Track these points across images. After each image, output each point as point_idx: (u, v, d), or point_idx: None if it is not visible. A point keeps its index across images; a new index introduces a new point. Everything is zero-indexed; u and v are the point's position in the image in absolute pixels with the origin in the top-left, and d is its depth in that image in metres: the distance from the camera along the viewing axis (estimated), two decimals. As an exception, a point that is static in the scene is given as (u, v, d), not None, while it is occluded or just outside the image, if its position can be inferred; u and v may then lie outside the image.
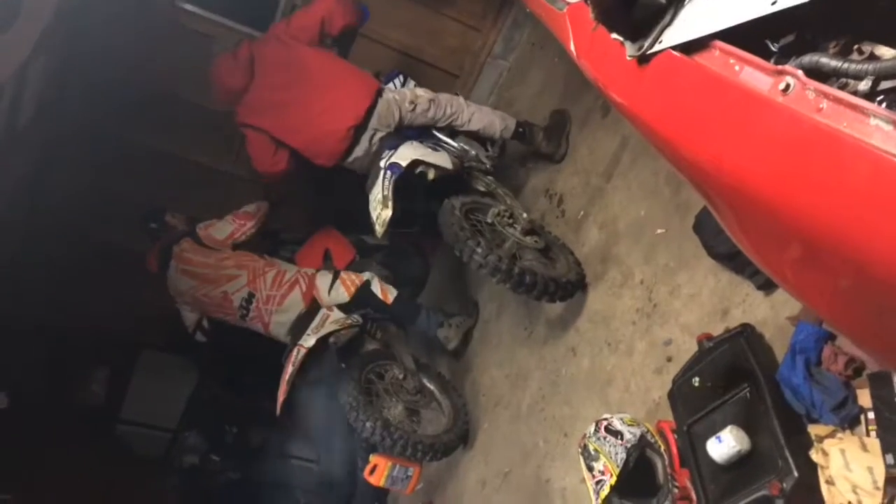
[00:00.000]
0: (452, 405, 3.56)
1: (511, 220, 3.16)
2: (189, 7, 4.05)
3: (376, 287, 3.59)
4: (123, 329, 5.16)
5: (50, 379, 4.73)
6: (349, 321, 3.48)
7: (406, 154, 3.13)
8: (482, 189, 3.42)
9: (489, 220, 3.14)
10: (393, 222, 3.07)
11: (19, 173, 3.81)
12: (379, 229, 3.04)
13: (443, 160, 3.19)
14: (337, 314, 3.50)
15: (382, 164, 3.13)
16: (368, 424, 3.13)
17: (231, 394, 5.06)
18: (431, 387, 3.60)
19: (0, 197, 3.65)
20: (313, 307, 3.56)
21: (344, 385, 3.28)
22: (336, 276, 3.61)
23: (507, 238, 3.07)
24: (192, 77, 3.98)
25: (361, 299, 3.57)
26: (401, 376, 3.48)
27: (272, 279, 3.63)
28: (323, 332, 3.38)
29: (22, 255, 4.28)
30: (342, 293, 3.56)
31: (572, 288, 3.00)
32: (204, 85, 3.67)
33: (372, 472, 3.51)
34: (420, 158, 3.12)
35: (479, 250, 2.85)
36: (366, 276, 3.62)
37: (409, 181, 3.11)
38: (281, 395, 3.33)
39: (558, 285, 2.94)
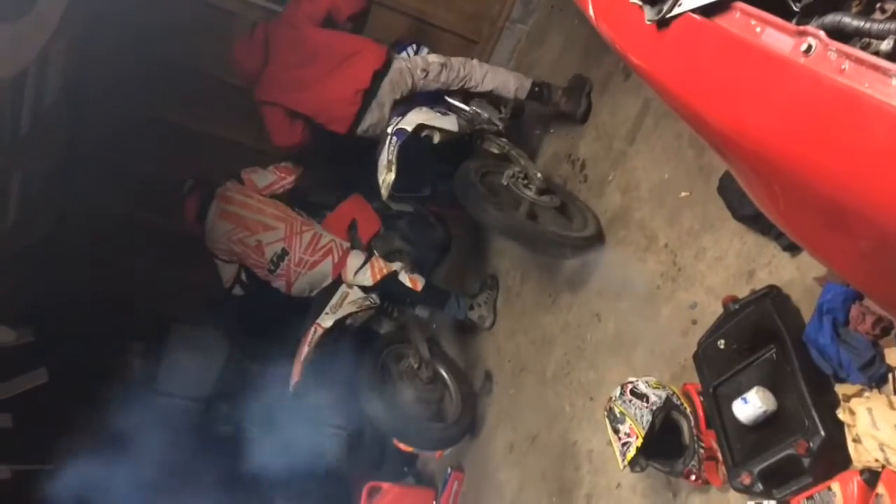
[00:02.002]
0: (462, 396, 3.63)
1: (526, 181, 3.24)
2: (206, -19, 4.05)
3: (404, 277, 3.60)
4: (154, 303, 5.27)
5: (86, 353, 4.86)
6: (367, 303, 3.53)
7: (412, 119, 3.20)
8: (496, 151, 3.47)
9: (504, 183, 3.21)
10: (403, 187, 3.21)
11: (47, 153, 3.87)
12: (384, 192, 3.16)
13: (449, 123, 3.25)
14: (356, 294, 3.55)
15: (390, 130, 3.22)
16: (377, 411, 3.25)
17: (261, 365, 5.15)
18: (445, 375, 3.67)
19: (31, 179, 3.73)
20: (339, 280, 3.61)
21: (360, 368, 3.36)
22: (367, 261, 3.64)
23: (523, 199, 3.16)
24: (213, 53, 3.99)
25: (384, 286, 3.61)
26: (415, 366, 3.54)
27: (308, 241, 3.68)
28: (341, 313, 3.44)
29: (54, 235, 4.37)
30: (367, 278, 3.58)
31: (589, 242, 3.07)
32: (224, 60, 3.71)
33: (401, 437, 3.60)
34: (424, 122, 3.18)
35: (494, 212, 2.93)
36: (395, 266, 3.64)
37: (417, 146, 3.19)
38: (295, 376, 3.40)
39: (574, 241, 3.03)
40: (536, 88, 3.59)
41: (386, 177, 3.10)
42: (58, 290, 4.64)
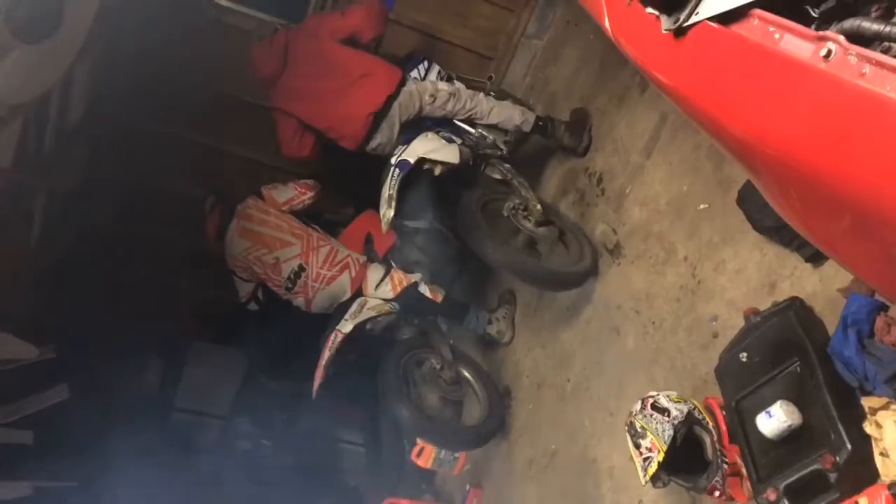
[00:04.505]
0: (489, 396, 3.61)
1: (525, 213, 3.33)
2: (224, 2, 4.11)
3: (424, 289, 3.65)
4: (173, 321, 5.30)
5: (106, 370, 4.90)
6: (387, 307, 3.55)
7: (415, 150, 3.27)
8: (498, 178, 3.56)
9: (504, 214, 3.32)
10: (404, 215, 3.36)
11: (71, 172, 3.93)
12: (384, 227, 3.26)
13: (450, 155, 3.31)
14: (374, 301, 3.57)
15: (393, 160, 3.28)
16: (403, 412, 3.24)
17: (279, 382, 5.17)
18: (469, 376, 3.65)
19: (54, 198, 3.77)
20: (358, 294, 3.63)
21: (382, 373, 3.37)
22: (387, 273, 3.67)
23: (521, 230, 3.27)
24: (231, 71, 4.05)
25: (405, 299, 3.62)
26: (438, 366, 3.54)
27: (325, 256, 3.72)
28: (361, 318, 3.47)
29: (76, 253, 4.42)
30: (388, 291, 3.62)
31: (583, 276, 3.19)
32: (242, 78, 3.76)
33: (419, 454, 3.59)
34: (426, 156, 3.25)
35: (494, 251, 3.06)
36: (414, 277, 3.67)
37: (419, 176, 3.30)
38: (317, 380, 3.44)
39: (567, 276, 3.17)
40: (540, 123, 3.69)
41: (386, 212, 3.19)
42: (79, 307, 4.68)
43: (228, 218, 3.89)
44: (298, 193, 3.86)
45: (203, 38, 4.09)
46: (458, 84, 3.67)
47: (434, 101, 3.50)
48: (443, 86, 3.59)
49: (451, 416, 3.55)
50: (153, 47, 3.95)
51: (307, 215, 3.93)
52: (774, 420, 1.88)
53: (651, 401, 2.18)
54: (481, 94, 3.64)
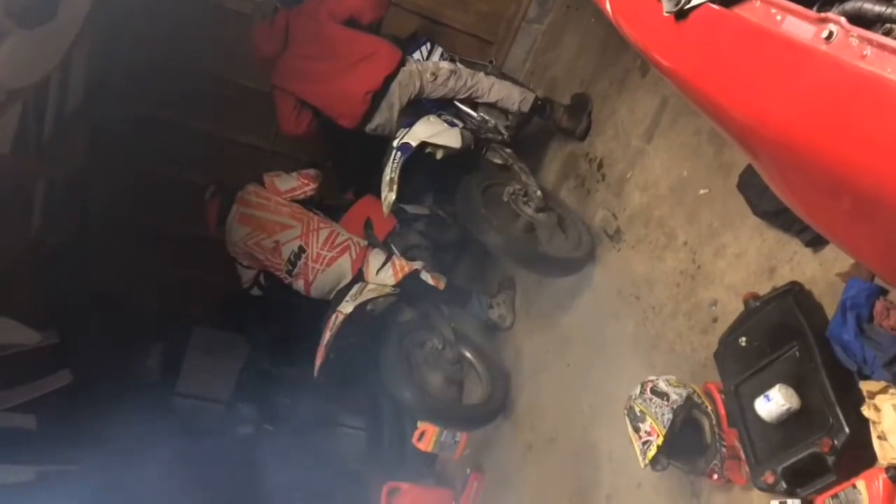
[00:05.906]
0: (491, 375, 3.63)
1: (525, 198, 3.34)
2: (224, -14, 4.10)
3: (426, 276, 3.64)
4: (174, 306, 5.32)
5: (109, 355, 4.92)
6: (387, 289, 3.55)
7: (417, 134, 3.27)
8: (499, 162, 3.56)
9: (504, 199, 3.33)
10: (405, 198, 3.37)
11: (70, 160, 3.92)
12: (386, 210, 3.26)
13: (452, 139, 3.31)
14: (375, 284, 3.58)
15: (395, 143, 3.28)
16: (405, 393, 3.25)
17: (281, 367, 5.18)
18: (470, 356, 3.67)
19: (54, 184, 3.77)
20: (358, 278, 3.63)
21: (383, 354, 3.38)
22: (388, 259, 3.66)
23: (521, 216, 3.29)
24: (231, 56, 4.03)
25: (407, 285, 3.63)
26: (440, 346, 3.55)
27: (325, 237, 3.70)
28: (361, 299, 3.47)
29: (77, 239, 4.43)
30: (389, 276, 3.61)
31: (581, 263, 3.21)
32: (243, 63, 3.75)
33: (420, 438, 3.61)
34: (427, 140, 3.25)
35: (493, 236, 3.10)
36: (416, 265, 3.66)
37: (420, 160, 3.29)
38: (318, 359, 3.44)
39: (565, 262, 3.19)
40: (539, 102, 3.68)
41: (387, 195, 3.19)
42: (81, 292, 4.70)
43: (229, 205, 3.88)
44: (301, 184, 3.82)
45: (203, 22, 4.07)
46: (459, 64, 3.66)
47: (435, 79, 3.49)
48: (444, 64, 3.59)
49: (453, 397, 3.57)
50: (152, 32, 3.93)
51: (308, 201, 3.92)
52: (773, 404, 1.89)
53: (650, 385, 2.20)
54: (481, 73, 3.63)
